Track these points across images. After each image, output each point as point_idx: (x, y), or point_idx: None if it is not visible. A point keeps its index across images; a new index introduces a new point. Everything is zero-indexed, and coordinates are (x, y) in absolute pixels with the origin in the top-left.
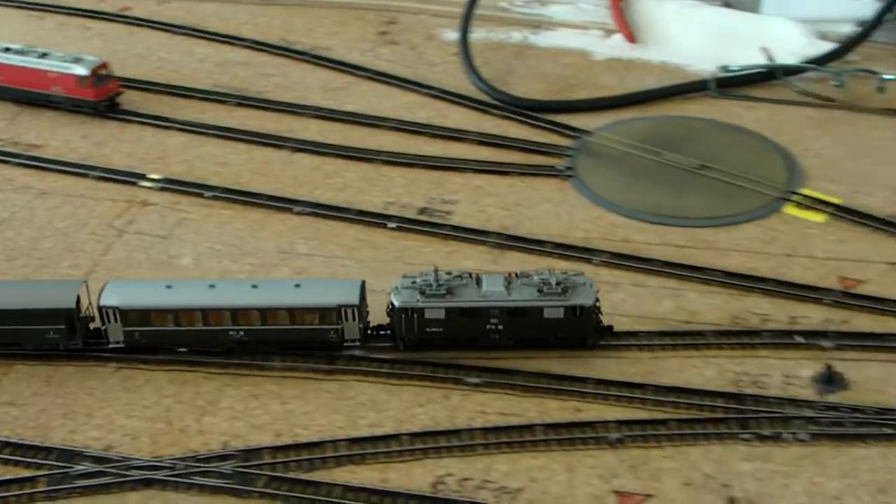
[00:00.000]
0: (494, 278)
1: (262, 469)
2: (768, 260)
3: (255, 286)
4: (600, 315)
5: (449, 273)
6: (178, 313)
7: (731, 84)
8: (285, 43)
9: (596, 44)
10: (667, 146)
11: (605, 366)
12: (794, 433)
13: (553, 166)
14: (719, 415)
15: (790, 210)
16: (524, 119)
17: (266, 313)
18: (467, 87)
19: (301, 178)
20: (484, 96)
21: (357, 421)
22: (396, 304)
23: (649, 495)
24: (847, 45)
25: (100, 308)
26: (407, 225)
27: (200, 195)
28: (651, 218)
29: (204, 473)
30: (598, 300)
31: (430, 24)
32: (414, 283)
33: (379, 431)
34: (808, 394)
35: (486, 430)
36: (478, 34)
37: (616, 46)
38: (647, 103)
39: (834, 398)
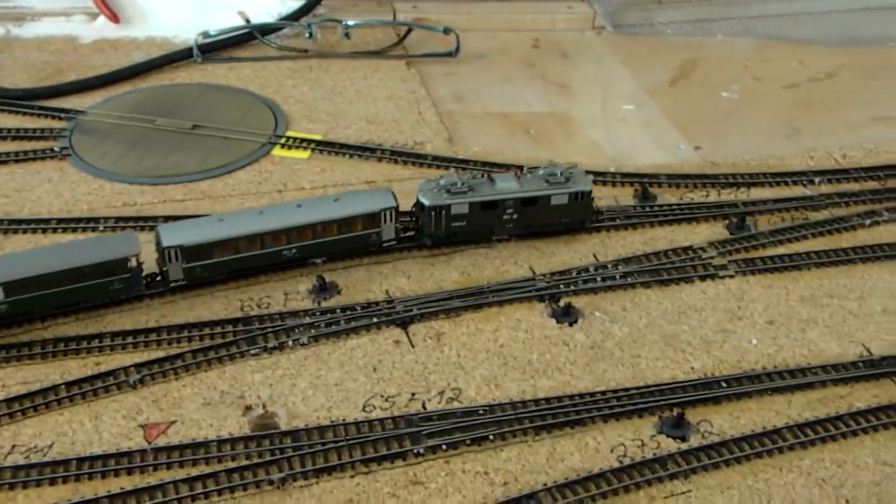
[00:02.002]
0: (505, 176)
1: None
2: (262, 198)
3: (299, 206)
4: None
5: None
6: (238, 242)
7: (215, 48)
8: None
9: (81, 28)
10: (160, 113)
11: (118, 320)
12: (296, 339)
13: (51, 149)
14: (229, 339)
15: (278, 152)
16: (15, 109)
17: (317, 228)
18: None
19: None
20: None
21: None
22: (427, 203)
23: (173, 421)
24: (314, 0)
25: (163, 249)
26: None
27: None
28: (150, 180)
29: None
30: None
31: None
32: (438, 185)
33: None
34: (307, 304)
35: (9, 401)
36: None
37: (101, 28)
38: (137, 77)
39: (329, 304)
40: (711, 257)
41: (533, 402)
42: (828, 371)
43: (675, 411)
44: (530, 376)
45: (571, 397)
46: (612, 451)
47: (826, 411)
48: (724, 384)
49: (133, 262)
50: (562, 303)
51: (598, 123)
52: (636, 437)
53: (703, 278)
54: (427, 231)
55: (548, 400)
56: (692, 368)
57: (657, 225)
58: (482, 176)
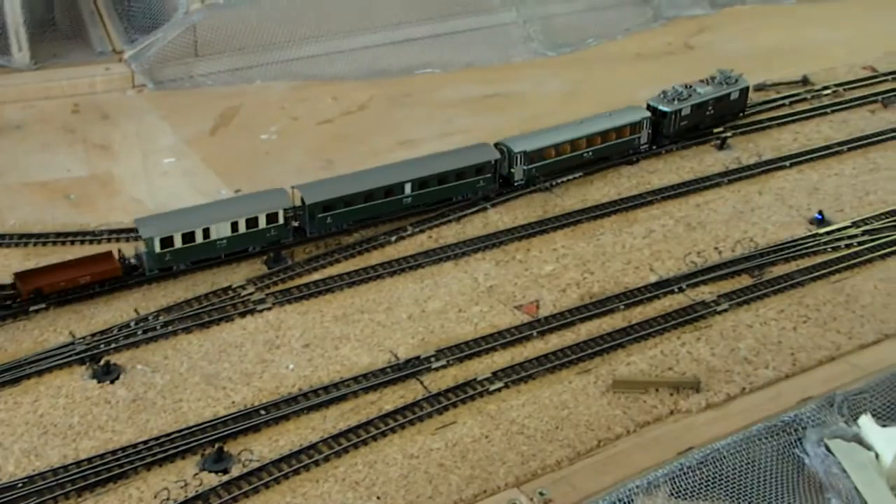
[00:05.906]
0: (700, 84)
1: None
2: None
3: (585, 121)
4: None
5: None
6: (559, 147)
7: None
8: None
9: None
10: None
11: None
12: None
13: None
14: None
15: None
16: None
17: (605, 135)
18: None
19: None
20: None
21: None
22: (668, 109)
23: None
24: None
25: (513, 154)
26: None
27: None
28: None
29: None
30: None
31: None
32: (664, 97)
33: None
34: None
35: None
36: None
37: None
38: None
39: None
40: (251, 293)
41: (75, 465)
42: (359, 381)
43: (216, 446)
44: (72, 440)
45: (114, 453)
46: (155, 496)
47: (358, 419)
48: (263, 412)
49: (496, 161)
50: (102, 362)
51: (140, 180)
52: (179, 479)
53: (242, 315)
54: (665, 132)
55: (90, 460)
56: (233, 402)
57: (198, 270)
58: (686, 86)
